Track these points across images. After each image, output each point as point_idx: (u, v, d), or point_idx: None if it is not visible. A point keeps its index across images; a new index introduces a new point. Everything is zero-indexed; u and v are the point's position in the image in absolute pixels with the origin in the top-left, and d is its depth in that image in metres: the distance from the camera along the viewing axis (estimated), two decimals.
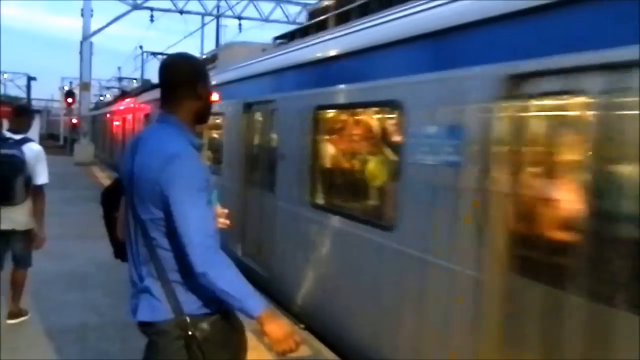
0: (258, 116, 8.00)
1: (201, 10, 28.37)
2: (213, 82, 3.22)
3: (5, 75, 66.30)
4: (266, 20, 27.29)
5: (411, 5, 4.81)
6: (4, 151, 5.26)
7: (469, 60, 3.78)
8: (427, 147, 4.12)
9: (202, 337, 2.43)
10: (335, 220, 5.69)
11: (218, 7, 28.70)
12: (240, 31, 27.71)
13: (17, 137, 5.46)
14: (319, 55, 6.23)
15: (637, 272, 2.71)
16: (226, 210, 2.75)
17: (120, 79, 53.74)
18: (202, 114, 2.64)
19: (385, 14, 5.28)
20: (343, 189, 6.06)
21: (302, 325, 6.01)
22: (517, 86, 3.32)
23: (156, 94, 17.11)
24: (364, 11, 6.34)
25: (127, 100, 24.87)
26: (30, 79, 57.91)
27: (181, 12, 27.43)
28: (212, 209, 2.50)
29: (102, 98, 63.03)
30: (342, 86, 5.67)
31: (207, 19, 29.81)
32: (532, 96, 3.26)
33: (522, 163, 3.38)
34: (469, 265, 3.64)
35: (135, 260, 2.58)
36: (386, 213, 4.95)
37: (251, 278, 3.89)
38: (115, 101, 34.18)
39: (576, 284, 2.98)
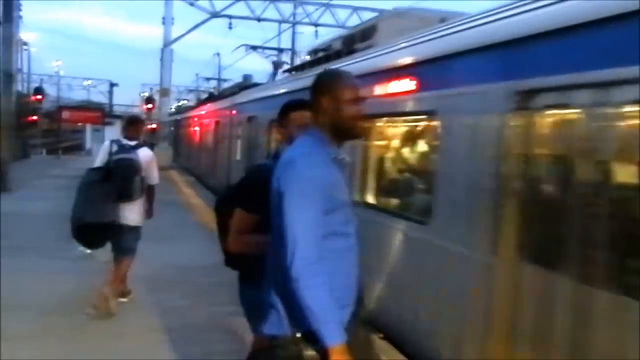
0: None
1: (278, 17, 28.61)
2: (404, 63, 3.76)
3: (90, 82, 69.07)
4: (342, 26, 27.21)
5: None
6: (123, 155, 6.06)
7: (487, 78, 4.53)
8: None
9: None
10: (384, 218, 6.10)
11: (294, 14, 28.88)
12: (316, 37, 27.74)
13: (132, 143, 6.24)
14: None
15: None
16: None
17: (208, 79, 54.59)
18: (339, 128, 2.58)
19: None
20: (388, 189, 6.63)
21: (381, 335, 5.83)
22: (525, 100, 4.02)
23: (236, 99, 16.00)
24: None
25: (206, 106, 25.18)
26: (112, 85, 60.09)
27: (259, 19, 27.75)
28: (332, 217, 2.46)
29: (180, 104, 64.63)
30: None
31: (284, 26, 29.99)
32: (538, 108, 3.96)
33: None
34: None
35: (267, 273, 2.65)
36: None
37: None
38: (194, 107, 34.88)
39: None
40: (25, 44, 35.08)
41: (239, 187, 3.43)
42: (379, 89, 6.33)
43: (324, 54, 11.05)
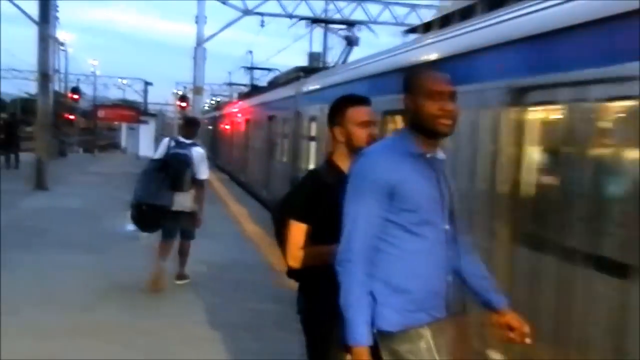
0: None
1: (310, 14, 28.56)
2: None
3: (125, 81, 69.96)
4: (374, 22, 27.08)
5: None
6: (180, 151, 6.85)
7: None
8: None
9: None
10: None
11: (326, 10, 28.80)
12: (348, 33, 27.61)
13: (188, 141, 7.05)
14: None
15: None
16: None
17: (249, 69, 53.76)
18: (420, 127, 2.48)
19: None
20: None
21: None
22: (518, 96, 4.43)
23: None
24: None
25: (253, 99, 24.60)
26: (146, 84, 60.77)
27: (290, 16, 27.71)
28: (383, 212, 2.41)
29: (212, 102, 65.06)
30: None
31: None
32: (527, 105, 4.40)
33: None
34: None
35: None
36: None
37: None
38: (235, 101, 34.57)
39: None
40: (62, 44, 35.63)
41: (292, 197, 3.18)
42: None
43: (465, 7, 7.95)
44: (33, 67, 17.41)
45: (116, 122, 45.26)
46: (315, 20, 23.19)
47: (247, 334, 5.66)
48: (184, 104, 36.01)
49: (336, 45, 26.34)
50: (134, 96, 68.43)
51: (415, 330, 2.41)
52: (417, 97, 2.46)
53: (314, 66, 17.08)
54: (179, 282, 7.19)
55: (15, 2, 21.95)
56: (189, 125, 7.46)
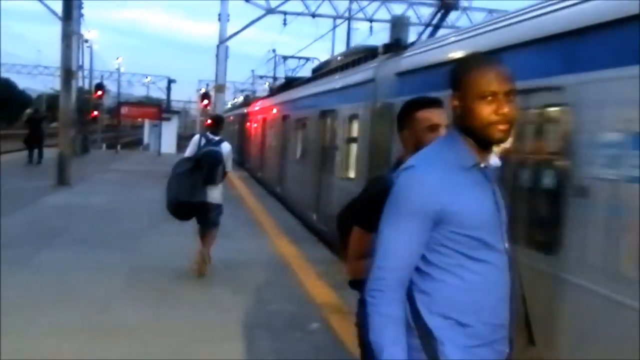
0: None
1: (333, 13, 28.50)
2: None
3: (149, 79, 70.55)
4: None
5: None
6: (212, 148, 7.46)
7: None
8: None
9: None
10: None
11: (349, 9, 28.71)
12: (371, 34, 27.56)
13: (217, 138, 7.67)
14: None
15: None
16: None
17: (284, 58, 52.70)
18: (471, 132, 2.10)
19: None
20: None
21: None
22: None
23: (289, 95, 15.81)
24: None
25: (274, 98, 23.53)
26: (170, 82, 61.17)
27: (313, 15, 27.68)
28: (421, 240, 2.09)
29: (236, 99, 65.27)
30: None
31: (338, 21, 29.85)
32: None
33: None
34: None
35: None
36: None
37: None
38: (257, 100, 31.81)
39: None
40: (86, 41, 35.96)
41: (357, 202, 2.95)
42: None
43: None
44: (59, 63, 17.47)
45: (139, 120, 45.60)
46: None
47: (264, 334, 5.63)
48: (206, 102, 36.26)
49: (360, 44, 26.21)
50: (157, 93, 69.14)
51: None
52: (465, 96, 2.09)
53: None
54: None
55: None
56: (217, 123, 8.05)
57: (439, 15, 11.01)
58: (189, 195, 7.20)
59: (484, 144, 2.12)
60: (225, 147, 7.65)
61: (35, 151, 21.64)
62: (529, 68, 4.56)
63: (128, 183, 17.77)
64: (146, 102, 52.93)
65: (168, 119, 38.17)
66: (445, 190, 2.06)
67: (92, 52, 40.26)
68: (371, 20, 27.90)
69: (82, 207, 12.54)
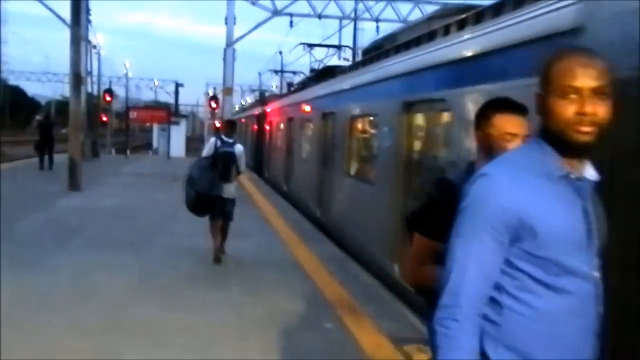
0: None
1: (339, 14, 28.53)
2: None
3: (157, 82, 70.83)
4: (404, 21, 26.92)
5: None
6: (226, 149, 8.31)
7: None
8: None
9: None
10: None
11: (355, 10, 28.74)
12: (377, 33, 27.55)
13: (230, 140, 8.48)
14: None
15: None
16: None
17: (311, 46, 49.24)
18: (553, 136, 1.81)
19: None
20: None
21: None
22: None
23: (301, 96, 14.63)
24: None
25: (283, 99, 22.90)
26: (178, 85, 61.34)
27: (319, 16, 27.74)
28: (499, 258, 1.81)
29: (243, 102, 65.36)
30: None
31: (345, 22, 29.88)
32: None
33: None
34: None
35: None
36: None
37: None
38: (263, 102, 30.04)
39: None
40: (94, 46, 36.16)
41: (421, 206, 2.80)
42: None
43: None
44: (68, 69, 17.57)
45: (148, 124, 45.76)
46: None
47: (276, 333, 5.66)
48: (213, 105, 36.34)
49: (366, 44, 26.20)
50: (165, 97, 69.29)
51: None
52: (545, 94, 1.81)
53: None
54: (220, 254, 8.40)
55: (47, 4, 22.38)
56: (230, 126, 9.18)
57: None
58: (209, 189, 7.98)
59: (569, 150, 1.80)
60: (238, 148, 8.49)
61: (46, 157, 21.75)
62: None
63: (139, 186, 17.87)
64: (155, 106, 53.09)
65: (177, 123, 38.30)
66: (524, 201, 1.78)
67: (99, 57, 40.46)
68: (377, 20, 27.90)
69: (95, 211, 12.61)
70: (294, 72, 35.04)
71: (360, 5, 28.23)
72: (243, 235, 9.63)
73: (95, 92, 36.16)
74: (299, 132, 16.64)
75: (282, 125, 20.39)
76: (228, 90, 28.98)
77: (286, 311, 6.31)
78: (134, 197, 15.35)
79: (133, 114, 38.80)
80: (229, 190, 8.36)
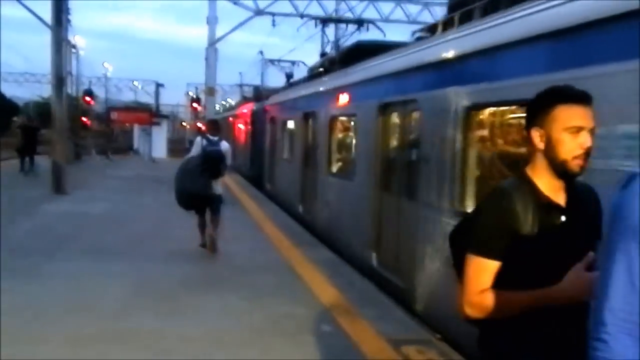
0: None
1: (321, 13, 28.49)
2: None
3: (137, 83, 70.21)
4: (386, 20, 27.00)
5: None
6: (213, 148, 8.80)
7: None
8: None
9: None
10: None
11: (336, 10, 28.71)
12: (359, 32, 27.57)
13: (215, 138, 9.03)
14: None
15: None
16: None
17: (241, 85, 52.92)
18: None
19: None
20: None
21: (439, 336, 5.74)
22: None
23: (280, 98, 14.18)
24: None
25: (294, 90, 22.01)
26: (158, 86, 60.85)
27: (302, 15, 27.67)
28: None
29: (224, 103, 65.06)
30: None
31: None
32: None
33: None
34: None
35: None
36: None
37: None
38: (258, 98, 26.88)
39: None
40: (74, 47, 35.73)
41: (473, 221, 2.32)
42: None
43: None
44: (46, 70, 17.36)
45: (129, 125, 45.36)
46: (325, 20, 22.13)
47: (274, 338, 5.63)
48: (195, 105, 36.17)
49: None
50: (146, 98, 68.64)
51: None
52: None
53: None
54: (213, 252, 8.94)
55: (26, 4, 22.07)
56: (214, 126, 9.64)
57: None
58: (203, 189, 8.59)
59: None
60: (224, 145, 9.08)
61: (27, 159, 21.47)
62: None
63: (125, 189, 17.69)
64: (136, 107, 52.65)
65: (158, 124, 38.02)
66: None
67: (78, 58, 40.02)
68: (360, 20, 27.85)
69: (83, 214, 12.46)
70: (293, 62, 30.18)
71: (343, 5, 28.22)
72: (235, 239, 9.61)
73: (74, 94, 35.73)
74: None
75: (297, 123, 14.54)
76: (210, 90, 28.84)
77: (284, 316, 6.26)
78: (122, 200, 15.15)
79: (114, 115, 38.45)
80: (216, 187, 8.91)
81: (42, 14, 19.88)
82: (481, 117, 5.97)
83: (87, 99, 35.71)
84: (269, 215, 13.40)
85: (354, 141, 10.33)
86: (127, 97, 71.17)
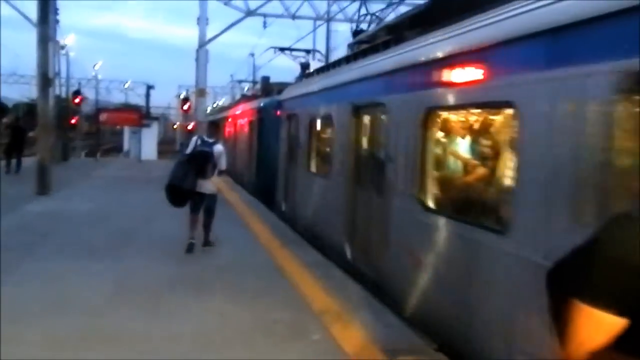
0: None
1: (313, 14, 28.35)
2: None
3: (127, 84, 69.94)
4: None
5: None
6: (203, 148, 8.96)
7: None
8: None
9: None
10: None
11: (328, 11, 28.56)
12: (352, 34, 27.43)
13: (211, 140, 9.18)
14: None
15: None
16: None
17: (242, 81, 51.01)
18: None
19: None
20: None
21: (435, 346, 5.47)
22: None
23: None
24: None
25: (242, 104, 22.60)
26: (149, 87, 60.56)
27: (293, 16, 27.53)
28: None
29: (214, 105, 64.82)
30: None
31: (319, 22, 29.70)
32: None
33: None
34: None
35: None
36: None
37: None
38: (267, 91, 23.89)
39: None
40: (62, 47, 35.38)
41: (585, 262, 1.76)
42: None
43: None
44: (35, 71, 17.05)
45: (118, 126, 45.06)
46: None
47: (263, 341, 5.44)
48: (185, 107, 35.88)
49: (340, 45, 25.99)
50: (136, 99, 68.34)
51: None
52: None
53: None
54: (205, 247, 9.14)
55: (13, 3, 21.78)
56: (213, 127, 10.08)
57: None
58: (180, 181, 8.76)
59: None
60: (217, 148, 9.10)
61: (14, 160, 21.19)
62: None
63: (111, 190, 17.46)
64: (126, 108, 52.29)
65: (148, 125, 37.72)
66: None
67: (68, 58, 39.69)
68: (351, 21, 27.74)
69: (66, 214, 12.22)
70: (308, 51, 24.75)
71: (334, 7, 28.06)
72: (223, 240, 9.43)
73: (64, 95, 35.39)
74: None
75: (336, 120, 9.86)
76: (201, 92, 28.57)
77: (272, 318, 6.04)
78: (106, 200, 14.95)
79: (103, 116, 38.14)
80: (207, 186, 8.99)
81: (31, 14, 19.59)
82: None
83: (76, 100, 35.44)
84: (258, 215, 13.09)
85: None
86: (118, 98, 70.92)
